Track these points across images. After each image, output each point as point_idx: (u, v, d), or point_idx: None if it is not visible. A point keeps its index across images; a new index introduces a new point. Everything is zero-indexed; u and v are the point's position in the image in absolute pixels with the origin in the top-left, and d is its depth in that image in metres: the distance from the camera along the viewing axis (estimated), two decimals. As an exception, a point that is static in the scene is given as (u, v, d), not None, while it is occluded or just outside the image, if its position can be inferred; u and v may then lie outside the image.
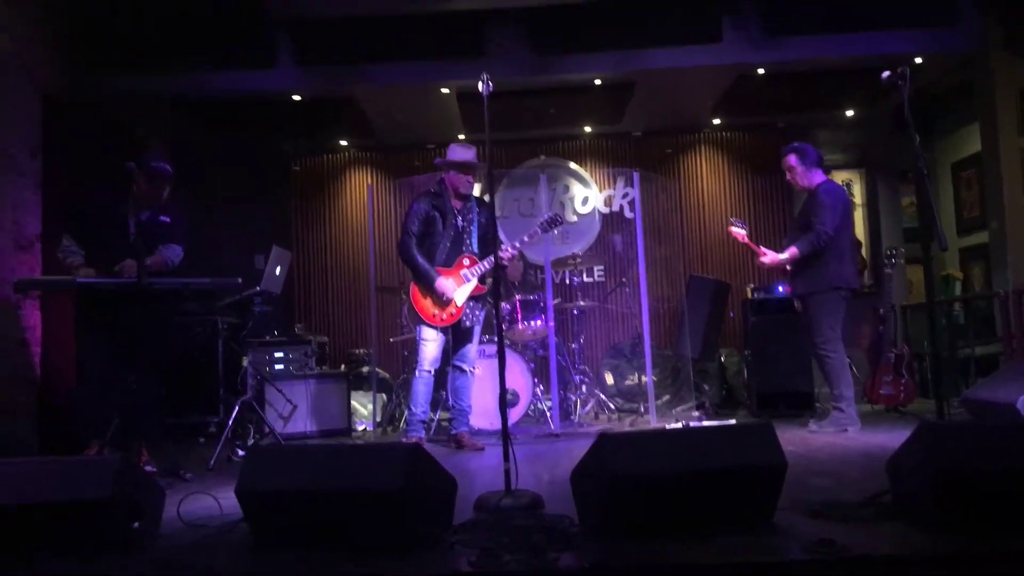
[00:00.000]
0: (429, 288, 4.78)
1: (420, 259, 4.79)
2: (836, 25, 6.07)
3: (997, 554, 1.99)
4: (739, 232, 5.06)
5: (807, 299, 4.91)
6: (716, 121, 7.85)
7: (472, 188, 4.98)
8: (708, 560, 2.03)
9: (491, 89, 3.21)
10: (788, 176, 5.08)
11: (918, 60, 6.26)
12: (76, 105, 5.87)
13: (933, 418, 3.52)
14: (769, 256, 4.96)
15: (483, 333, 5.21)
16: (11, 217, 5.20)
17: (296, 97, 6.58)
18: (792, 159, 5.01)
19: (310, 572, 2.08)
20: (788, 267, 5.01)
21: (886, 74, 3.39)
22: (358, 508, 2.24)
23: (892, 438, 4.00)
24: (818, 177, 4.98)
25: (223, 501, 2.85)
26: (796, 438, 4.56)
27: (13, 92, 5.28)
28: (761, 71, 6.49)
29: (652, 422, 5.66)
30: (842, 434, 4.68)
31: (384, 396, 6.33)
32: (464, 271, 4.84)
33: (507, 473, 2.84)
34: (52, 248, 4.78)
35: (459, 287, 4.81)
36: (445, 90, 6.58)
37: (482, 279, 4.88)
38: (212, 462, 4.31)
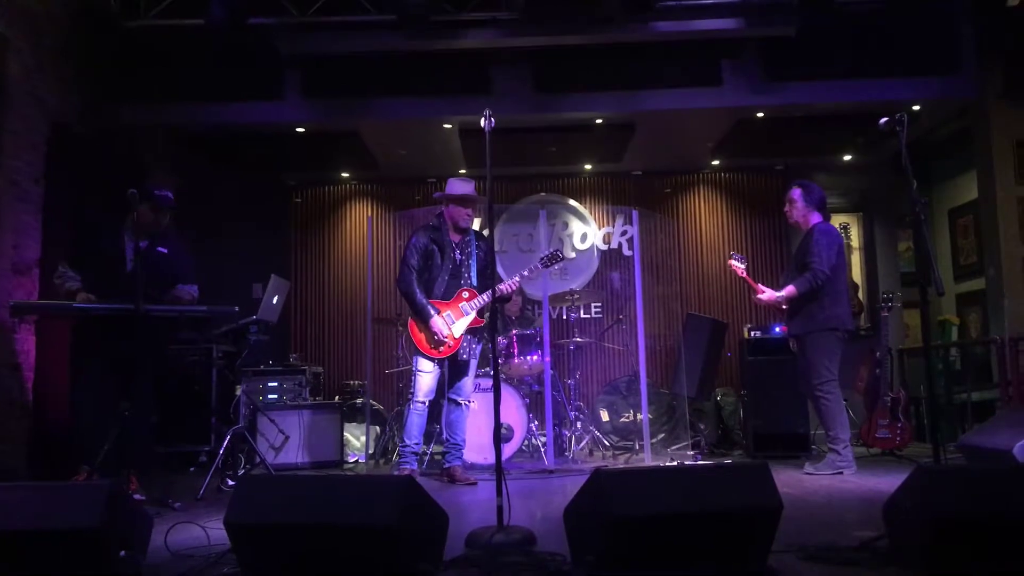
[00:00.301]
0: (424, 326, 4.78)
1: (419, 295, 4.80)
2: (836, 71, 6.16)
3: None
4: (738, 267, 5.08)
5: (803, 339, 4.91)
6: (715, 162, 7.93)
7: (471, 222, 5.01)
8: (701, 602, 2.00)
9: (493, 125, 3.24)
10: (787, 208, 5.12)
11: (916, 107, 6.35)
12: (82, 133, 5.92)
13: (929, 463, 3.51)
14: (767, 293, 4.97)
15: (479, 367, 5.19)
16: (11, 241, 5.21)
17: (300, 130, 6.64)
18: (796, 192, 5.05)
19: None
20: (784, 307, 5.02)
21: (884, 120, 3.43)
22: (350, 542, 2.22)
23: (888, 482, 3.97)
24: (814, 218, 5.01)
25: (211, 531, 2.82)
26: (792, 480, 4.53)
27: (22, 119, 5.33)
28: (761, 115, 6.56)
29: (647, 460, 5.62)
30: (837, 476, 4.65)
31: (377, 428, 6.29)
32: (463, 304, 4.84)
33: (499, 509, 2.81)
34: (49, 274, 4.78)
35: (457, 320, 4.81)
36: (447, 125, 6.65)
37: (481, 312, 4.88)
38: (202, 492, 4.27)
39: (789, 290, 4.86)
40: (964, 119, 6.83)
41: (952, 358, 7.18)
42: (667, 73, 6.23)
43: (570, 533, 2.52)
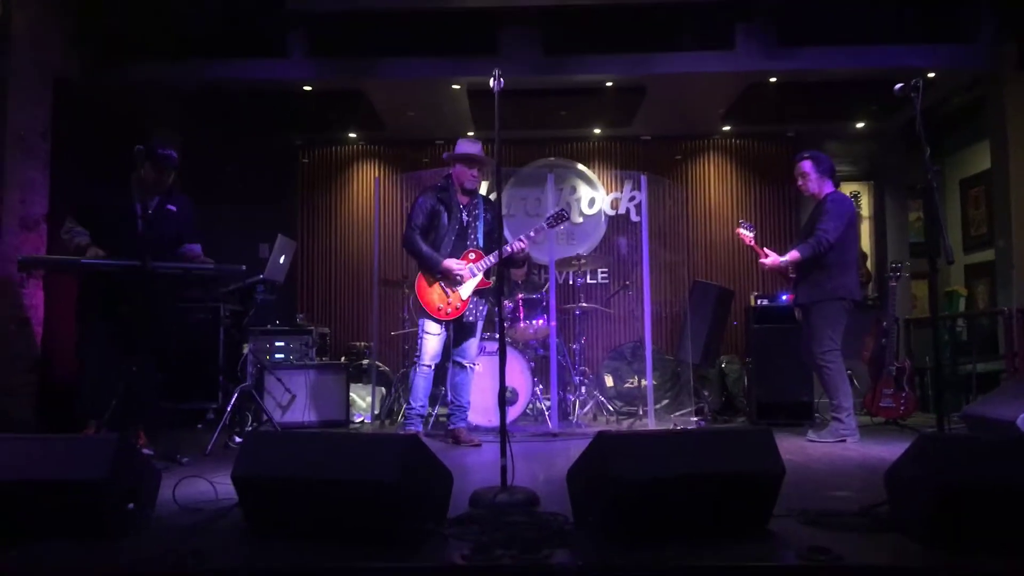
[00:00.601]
0: (437, 271, 4.77)
1: (424, 247, 4.80)
2: (850, 37, 6.08)
3: (991, 570, 1.98)
4: (747, 235, 5.05)
5: (809, 308, 4.90)
6: (726, 128, 7.84)
7: (477, 183, 4.97)
8: (701, 563, 2.02)
9: (502, 85, 3.20)
10: (800, 182, 5.07)
11: (931, 75, 6.24)
12: (87, 90, 5.89)
13: (933, 431, 3.51)
14: (771, 258, 4.94)
15: (484, 330, 5.21)
16: (19, 196, 5.22)
17: (307, 88, 6.58)
18: (807, 165, 5.00)
19: (303, 559, 2.08)
20: (792, 275, 5.01)
21: (899, 86, 3.39)
22: (354, 498, 2.24)
23: (891, 450, 3.98)
24: (828, 187, 4.97)
25: (219, 486, 2.85)
26: (794, 447, 4.54)
27: (26, 73, 5.29)
28: (773, 80, 6.48)
29: (651, 425, 5.66)
30: (840, 444, 4.67)
31: (383, 389, 6.33)
32: (470, 265, 4.83)
33: (503, 470, 2.83)
34: (56, 229, 4.78)
35: (466, 278, 4.82)
36: (456, 86, 6.58)
37: (487, 273, 4.87)
38: (209, 448, 4.32)
39: (793, 255, 4.84)
40: (978, 89, 6.74)
41: (959, 329, 7.17)
42: (679, 36, 6.15)
43: (573, 495, 2.54)
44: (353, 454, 2.33)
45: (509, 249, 4.81)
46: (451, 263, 4.77)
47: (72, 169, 5.52)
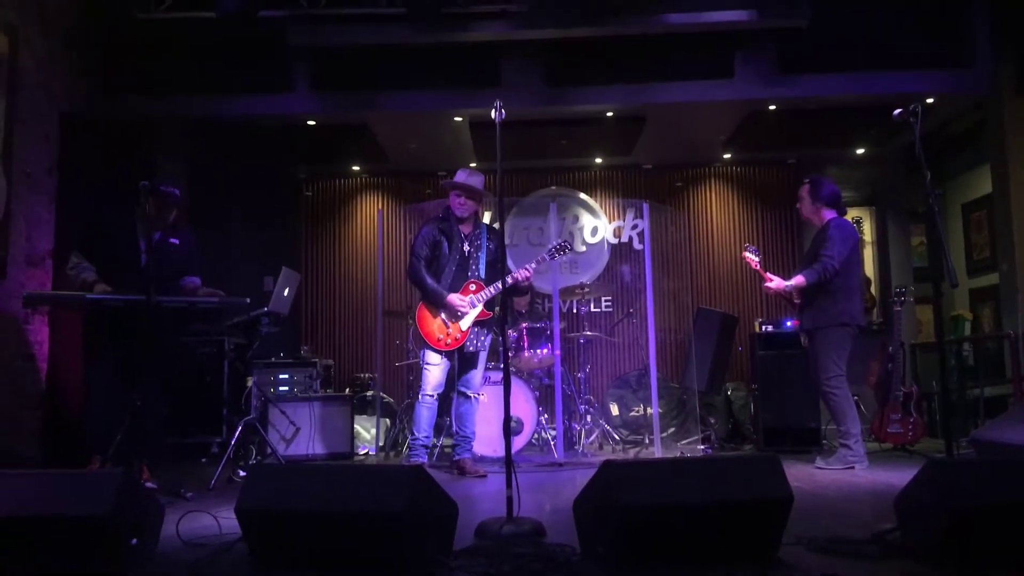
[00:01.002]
0: (440, 306, 4.78)
1: (429, 280, 4.82)
2: (850, 64, 6.12)
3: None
4: (752, 259, 5.07)
5: (814, 334, 4.89)
6: (727, 155, 7.89)
7: (466, 211, 4.96)
8: (711, 593, 2.00)
9: (503, 116, 3.23)
10: (797, 204, 5.18)
11: (930, 101, 6.28)
12: (93, 124, 5.94)
13: (942, 456, 3.48)
14: (776, 282, 4.95)
15: (488, 360, 5.20)
16: (25, 232, 5.25)
17: (311, 122, 6.64)
18: (804, 189, 5.10)
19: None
20: (797, 301, 5.01)
21: (898, 111, 3.40)
22: (360, 530, 2.22)
23: (900, 476, 3.95)
24: (827, 213, 5.00)
25: (223, 521, 2.83)
26: (802, 474, 4.51)
27: (33, 109, 5.35)
28: (773, 107, 6.52)
29: (657, 454, 5.61)
30: (849, 471, 4.63)
31: (388, 421, 6.30)
32: (470, 296, 4.84)
33: (509, 500, 2.81)
34: (62, 264, 4.80)
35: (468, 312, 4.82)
36: (458, 118, 6.64)
37: (489, 305, 4.88)
38: (213, 482, 4.29)
39: (798, 279, 4.84)
40: (977, 113, 6.78)
41: (965, 353, 7.13)
42: (679, 65, 6.20)
43: (579, 524, 2.52)
44: (358, 486, 2.32)
45: (511, 280, 4.81)
46: (454, 299, 4.78)
47: (78, 203, 5.56)
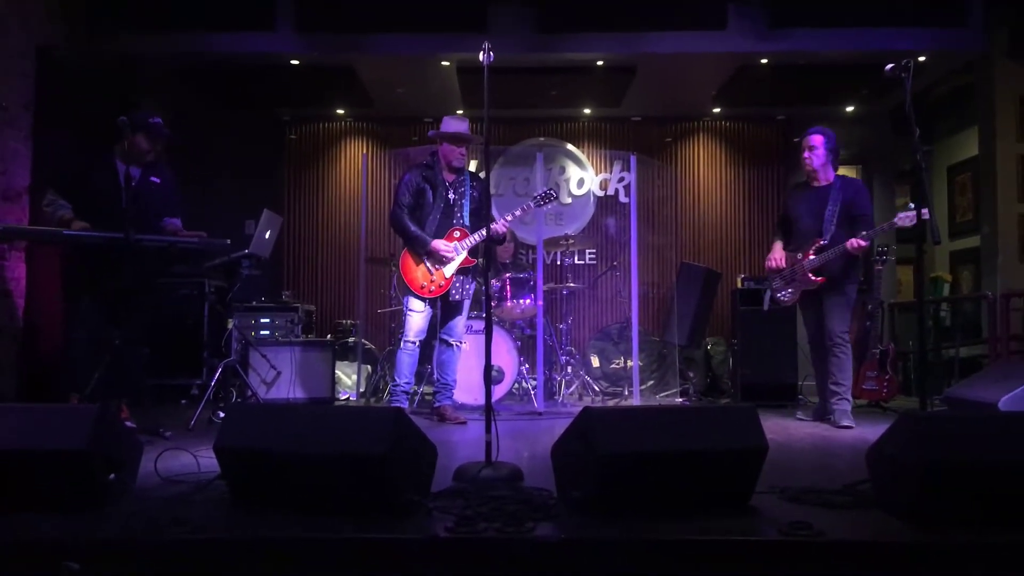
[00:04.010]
0: (424, 253, 4.76)
1: (412, 226, 4.78)
2: (842, 19, 6.05)
3: (972, 546, 2.00)
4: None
5: (832, 293, 4.71)
6: (716, 110, 7.83)
7: (464, 161, 4.95)
8: (683, 536, 2.03)
9: (492, 59, 3.17)
10: (806, 154, 4.82)
11: (922, 59, 6.24)
12: (72, 61, 5.80)
13: (915, 410, 3.54)
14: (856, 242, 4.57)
15: (471, 309, 5.20)
16: (0, 167, 5.14)
17: (294, 62, 6.50)
18: (818, 139, 4.79)
19: (286, 529, 2.07)
20: (812, 255, 4.71)
21: (890, 66, 3.37)
22: (339, 470, 2.23)
23: (873, 431, 4.00)
24: (832, 169, 4.86)
25: (201, 459, 2.84)
26: (778, 427, 4.58)
27: (7, 42, 5.20)
28: (764, 61, 6.46)
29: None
30: (822, 425, 4.71)
31: (369, 367, 6.32)
32: (455, 243, 4.81)
33: (488, 445, 2.83)
34: (39, 201, 4.72)
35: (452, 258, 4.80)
36: (445, 63, 6.52)
37: (473, 252, 4.86)
38: (193, 422, 4.30)
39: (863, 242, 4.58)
40: (967, 75, 6.75)
41: (943, 314, 7.22)
42: (672, 14, 6.09)
43: (557, 470, 2.54)
44: (339, 427, 2.32)
45: (495, 228, 4.78)
46: (439, 244, 4.75)
47: (55, 141, 5.44)
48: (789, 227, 5.04)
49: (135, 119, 4.15)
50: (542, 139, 8.04)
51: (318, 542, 2.00)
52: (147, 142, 4.24)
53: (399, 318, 5.37)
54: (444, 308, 4.93)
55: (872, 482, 2.45)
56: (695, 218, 8.01)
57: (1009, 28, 6.24)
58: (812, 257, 4.72)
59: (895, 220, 4.44)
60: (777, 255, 4.97)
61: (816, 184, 4.88)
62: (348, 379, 6.28)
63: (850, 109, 7.63)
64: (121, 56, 6.18)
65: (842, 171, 7.52)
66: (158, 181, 4.39)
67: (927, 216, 3.72)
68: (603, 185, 8.01)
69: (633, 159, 6.04)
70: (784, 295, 4.97)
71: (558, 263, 7.35)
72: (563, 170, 8.03)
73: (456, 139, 4.85)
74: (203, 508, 2.33)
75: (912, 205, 4.39)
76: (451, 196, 4.88)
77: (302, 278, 7.95)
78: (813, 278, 4.74)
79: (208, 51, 6.22)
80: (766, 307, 5.17)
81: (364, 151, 7.89)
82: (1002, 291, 6.00)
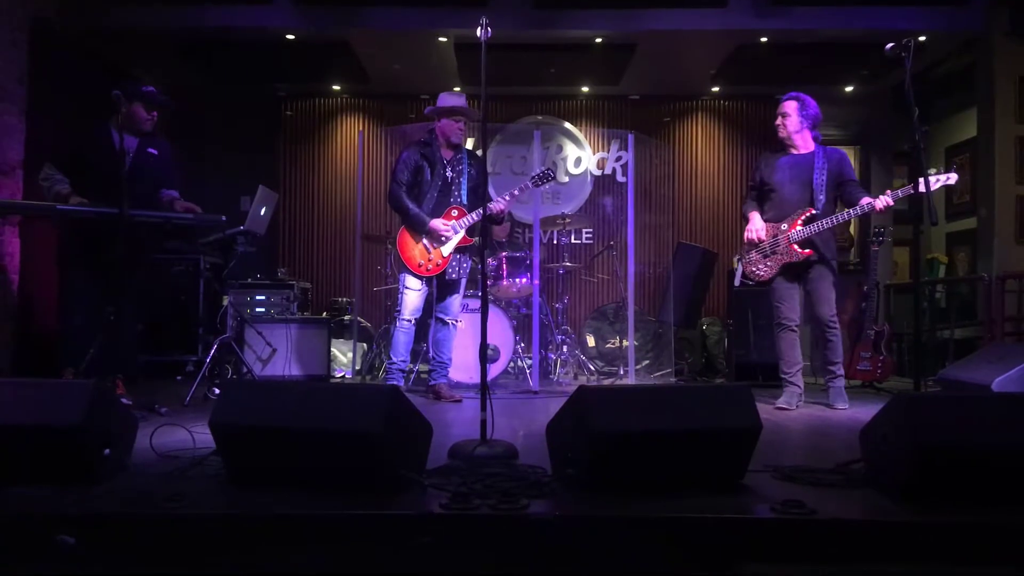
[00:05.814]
0: (423, 232, 4.74)
1: (411, 205, 4.76)
2: (842, -3, 6.02)
3: (963, 525, 2.01)
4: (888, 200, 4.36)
5: (824, 271, 4.53)
6: (715, 89, 7.79)
7: (463, 137, 4.91)
8: (677, 514, 2.04)
9: (490, 34, 3.13)
10: (778, 120, 4.61)
11: (922, 39, 6.20)
12: (66, 33, 5.74)
13: (909, 391, 3.55)
14: (885, 200, 4.34)
15: (467, 287, 5.19)
16: (-7, 141, 5.11)
17: (290, 36, 6.44)
18: (790, 105, 4.56)
19: (281, 506, 2.07)
20: (800, 225, 4.50)
21: (890, 45, 3.36)
22: (334, 447, 2.23)
23: (866, 412, 4.03)
24: (812, 137, 4.61)
25: (197, 436, 2.84)
26: (772, 407, 4.59)
27: (1, 16, 5.14)
28: (764, 39, 6.41)
29: (631, 385, 5.69)
30: (817, 405, 4.72)
31: (364, 345, 6.32)
32: (453, 222, 4.79)
33: (483, 423, 2.83)
34: (34, 175, 4.69)
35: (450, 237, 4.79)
36: (443, 39, 6.47)
37: (470, 231, 4.84)
38: (188, 399, 4.30)
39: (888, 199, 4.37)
40: (967, 55, 6.72)
41: (938, 295, 7.23)
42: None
43: (552, 448, 2.55)
44: (334, 404, 2.32)
45: (493, 207, 4.76)
46: (437, 224, 4.73)
47: (50, 114, 5.40)
48: (764, 196, 4.71)
49: (129, 89, 4.15)
50: (539, 117, 8.00)
51: (313, 518, 2.01)
52: (145, 110, 4.22)
53: (394, 296, 5.37)
54: (440, 286, 4.92)
55: (865, 462, 2.46)
56: (692, 198, 8.00)
57: (1009, 8, 6.20)
58: (799, 228, 4.48)
59: (933, 181, 4.01)
60: (758, 225, 4.63)
61: (795, 151, 4.62)
62: (344, 357, 6.28)
63: (849, 89, 7.59)
64: (115, 30, 6.12)
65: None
66: (155, 153, 4.37)
67: (951, 180, 3.70)
68: (600, 164, 7.98)
69: (631, 138, 6.01)
70: (760, 269, 4.65)
71: (555, 242, 7.34)
72: (560, 148, 7.99)
73: (453, 112, 4.81)
74: (198, 484, 2.33)
75: (941, 170, 4.20)
76: (449, 174, 4.85)
77: (298, 255, 7.93)
78: (799, 250, 4.49)
79: (204, 25, 6.17)
80: (737, 283, 4.87)
81: (360, 128, 7.84)
82: (998, 273, 6.01)
